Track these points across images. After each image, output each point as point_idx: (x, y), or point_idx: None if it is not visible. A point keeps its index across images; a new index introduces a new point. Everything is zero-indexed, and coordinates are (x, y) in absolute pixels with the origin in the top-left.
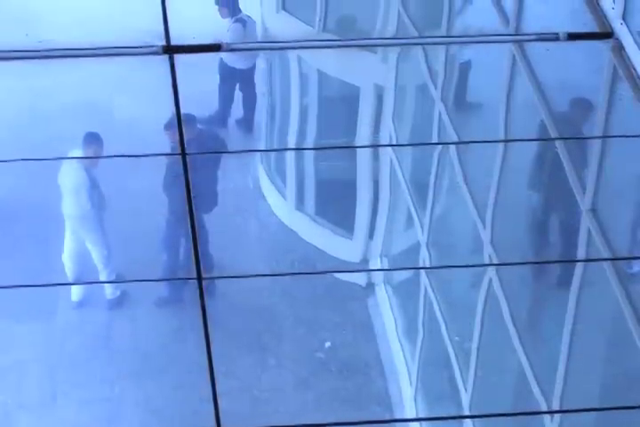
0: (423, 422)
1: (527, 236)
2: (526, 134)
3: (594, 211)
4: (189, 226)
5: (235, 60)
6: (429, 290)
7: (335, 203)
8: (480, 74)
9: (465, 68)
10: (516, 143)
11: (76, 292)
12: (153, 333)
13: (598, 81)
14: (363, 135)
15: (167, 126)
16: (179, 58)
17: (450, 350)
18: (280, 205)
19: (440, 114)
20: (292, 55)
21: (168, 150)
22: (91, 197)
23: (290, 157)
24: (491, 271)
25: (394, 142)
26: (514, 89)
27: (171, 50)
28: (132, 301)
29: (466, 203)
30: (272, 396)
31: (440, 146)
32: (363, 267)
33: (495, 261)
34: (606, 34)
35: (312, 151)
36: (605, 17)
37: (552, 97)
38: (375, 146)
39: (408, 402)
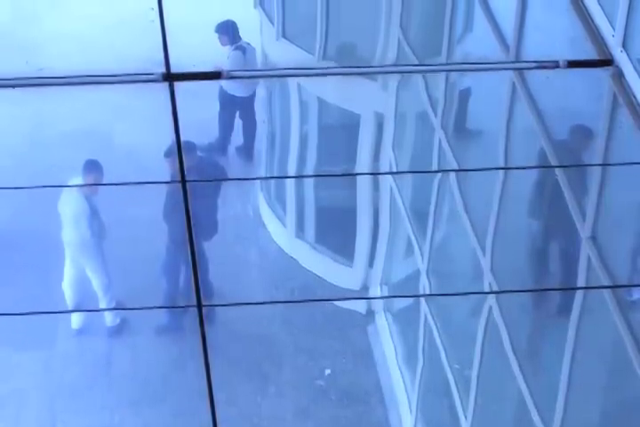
0: None
1: (527, 263)
2: (526, 162)
3: (594, 238)
4: (189, 253)
5: (235, 88)
6: (429, 318)
7: (335, 231)
8: (480, 101)
9: (465, 95)
10: (516, 171)
11: (75, 319)
12: (153, 360)
13: (598, 108)
14: (363, 163)
15: (167, 154)
16: (179, 85)
17: (450, 377)
18: (280, 233)
19: (440, 141)
20: (292, 83)
21: (168, 178)
22: (91, 225)
23: (290, 184)
24: (491, 299)
25: (394, 170)
26: (514, 116)
27: (171, 77)
28: (132, 328)
29: (466, 230)
30: (272, 424)
31: (440, 173)
32: (363, 295)
33: (495, 289)
34: (606, 61)
35: (312, 179)
36: (605, 44)
37: (552, 124)
38: (375, 174)
39: None
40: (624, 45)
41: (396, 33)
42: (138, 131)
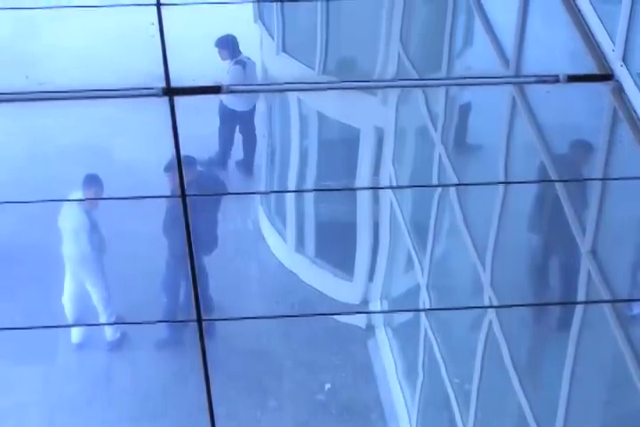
0: None
1: (527, 278)
2: (526, 176)
3: (594, 253)
4: (189, 268)
5: (235, 103)
6: (429, 332)
7: (335, 245)
8: (480, 116)
9: (465, 110)
10: (516, 185)
11: (75, 334)
12: (153, 375)
13: (598, 123)
14: (363, 177)
15: (167, 168)
16: (179, 100)
17: (450, 392)
18: (280, 247)
19: (440, 156)
20: (292, 97)
21: (168, 192)
22: (91, 240)
23: (290, 199)
24: (491, 313)
25: (394, 185)
26: (514, 131)
27: (171, 92)
28: (132, 343)
29: (466, 245)
30: None
31: (440, 188)
32: (363, 309)
33: (495, 304)
34: (606, 76)
35: (312, 193)
36: (605, 59)
37: (552, 139)
38: (375, 188)
39: None
40: (624, 60)
41: (396, 47)
42: (138, 145)
